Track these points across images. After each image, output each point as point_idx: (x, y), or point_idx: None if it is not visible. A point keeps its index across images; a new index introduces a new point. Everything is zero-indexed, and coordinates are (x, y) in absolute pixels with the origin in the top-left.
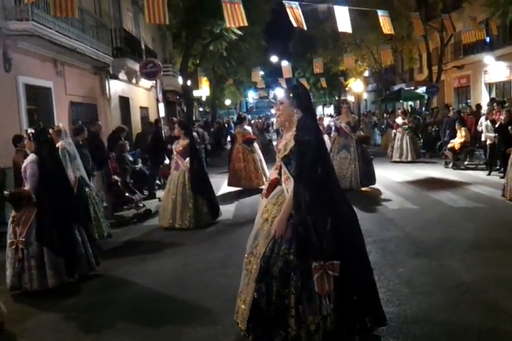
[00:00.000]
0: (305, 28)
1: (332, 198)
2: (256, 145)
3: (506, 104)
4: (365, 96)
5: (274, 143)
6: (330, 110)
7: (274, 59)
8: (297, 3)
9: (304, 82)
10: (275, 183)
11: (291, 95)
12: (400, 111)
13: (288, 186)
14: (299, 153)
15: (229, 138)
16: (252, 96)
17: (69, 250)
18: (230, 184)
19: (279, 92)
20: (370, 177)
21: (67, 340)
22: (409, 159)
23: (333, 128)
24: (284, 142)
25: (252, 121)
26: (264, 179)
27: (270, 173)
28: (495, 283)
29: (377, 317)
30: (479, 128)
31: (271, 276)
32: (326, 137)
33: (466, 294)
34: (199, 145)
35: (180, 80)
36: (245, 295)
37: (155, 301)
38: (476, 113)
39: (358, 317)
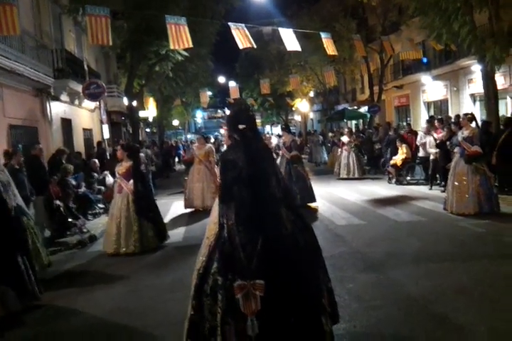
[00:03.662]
0: (254, 46)
1: (267, 217)
2: None
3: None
4: (311, 115)
5: None
6: (278, 130)
7: (221, 79)
8: (243, 24)
9: (251, 101)
10: None
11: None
12: (346, 130)
13: None
14: (222, 171)
15: (177, 159)
16: (200, 116)
17: (15, 279)
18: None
19: (228, 112)
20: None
21: None
22: (356, 176)
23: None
24: None
25: (194, 148)
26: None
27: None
28: (441, 294)
29: None
30: (418, 143)
31: (204, 294)
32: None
33: (414, 307)
34: (147, 167)
35: (125, 101)
36: (188, 312)
37: (102, 331)
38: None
39: None
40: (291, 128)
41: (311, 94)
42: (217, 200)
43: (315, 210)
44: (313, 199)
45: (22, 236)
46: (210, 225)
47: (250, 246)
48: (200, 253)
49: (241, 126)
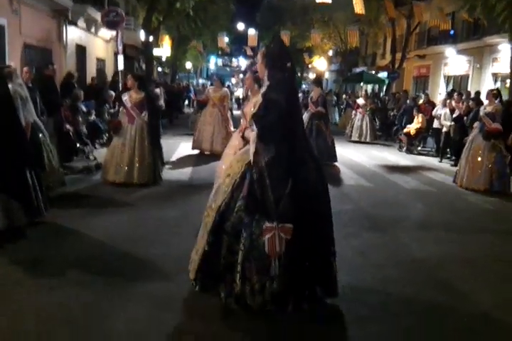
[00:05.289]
0: None
1: (297, 161)
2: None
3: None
4: (326, 75)
5: (235, 112)
6: None
7: (240, 26)
8: None
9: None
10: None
11: (264, 52)
12: (363, 92)
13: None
14: (264, 110)
15: (186, 102)
16: (213, 62)
17: (22, 193)
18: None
19: (243, 61)
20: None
21: (11, 290)
22: (368, 140)
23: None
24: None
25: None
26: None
27: (234, 136)
28: (447, 261)
29: (329, 288)
30: (434, 114)
31: (223, 231)
32: None
33: (418, 270)
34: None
35: (141, 36)
36: (199, 247)
37: (104, 254)
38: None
39: (307, 285)
40: (303, 86)
41: (330, 53)
42: (233, 138)
43: (336, 170)
44: (334, 159)
45: (33, 152)
46: (232, 162)
47: (280, 189)
48: (220, 190)
49: (289, 64)
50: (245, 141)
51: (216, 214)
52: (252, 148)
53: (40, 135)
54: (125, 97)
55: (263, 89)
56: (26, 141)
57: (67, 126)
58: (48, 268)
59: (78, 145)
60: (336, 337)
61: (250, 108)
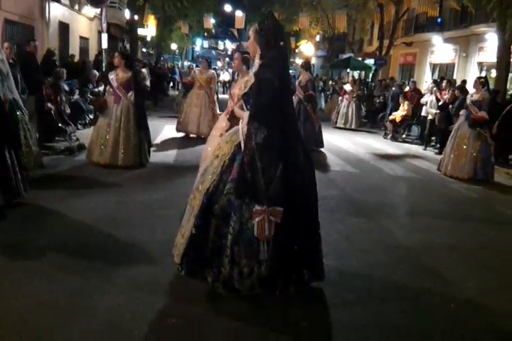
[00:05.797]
0: None
1: (287, 144)
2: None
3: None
4: (313, 60)
5: (220, 96)
6: None
7: (227, 8)
8: None
9: None
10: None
11: (257, 29)
12: (350, 78)
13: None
14: (257, 90)
15: (171, 84)
16: (199, 44)
17: (0, 173)
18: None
19: (229, 44)
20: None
21: None
22: (352, 127)
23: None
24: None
25: (197, 72)
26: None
27: (220, 118)
28: (432, 248)
29: (315, 272)
30: (423, 101)
31: (211, 214)
32: None
33: (404, 256)
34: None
35: (126, 15)
36: (185, 230)
37: (86, 237)
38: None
39: (295, 269)
40: (291, 71)
41: (317, 38)
42: (219, 120)
43: (322, 156)
44: (320, 145)
45: (15, 130)
46: (221, 143)
47: (271, 172)
48: (208, 172)
49: (282, 43)
50: (232, 122)
51: (204, 197)
52: (242, 128)
53: (19, 112)
54: (112, 76)
55: (255, 68)
56: (6, 117)
57: (49, 105)
58: (29, 251)
59: (60, 125)
60: (322, 321)
61: (239, 88)
